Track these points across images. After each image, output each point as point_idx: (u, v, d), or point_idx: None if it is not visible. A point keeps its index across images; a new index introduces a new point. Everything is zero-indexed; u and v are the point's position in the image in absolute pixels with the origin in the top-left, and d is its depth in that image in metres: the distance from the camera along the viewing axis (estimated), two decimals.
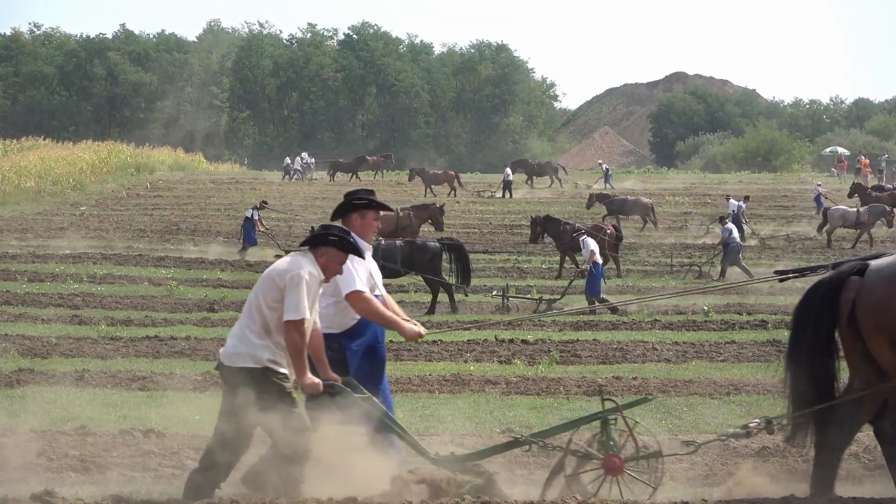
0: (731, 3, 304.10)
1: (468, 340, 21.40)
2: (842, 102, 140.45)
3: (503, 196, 62.19)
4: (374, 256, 26.95)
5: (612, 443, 10.27)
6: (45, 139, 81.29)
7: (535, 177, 70.37)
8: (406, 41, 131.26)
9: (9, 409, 14.58)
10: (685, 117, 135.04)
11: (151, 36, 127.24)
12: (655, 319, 24.73)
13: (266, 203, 43.51)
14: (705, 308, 26.42)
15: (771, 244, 44.66)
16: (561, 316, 24.71)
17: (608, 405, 10.38)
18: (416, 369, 18.34)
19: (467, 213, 55.87)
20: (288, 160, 77.59)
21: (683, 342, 21.45)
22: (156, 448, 12.55)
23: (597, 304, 26.29)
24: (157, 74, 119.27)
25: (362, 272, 10.32)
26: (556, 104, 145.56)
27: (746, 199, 49.81)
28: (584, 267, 27.96)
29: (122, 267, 35.29)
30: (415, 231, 37.04)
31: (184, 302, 27.48)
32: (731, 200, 49.44)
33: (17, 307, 25.57)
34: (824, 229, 44.53)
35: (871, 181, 67.11)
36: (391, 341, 21.15)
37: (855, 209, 45.36)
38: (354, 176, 72.85)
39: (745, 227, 45.76)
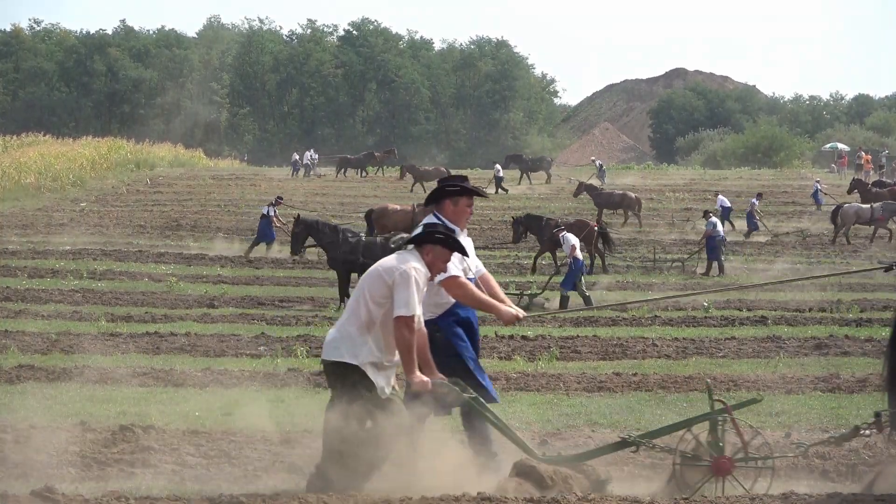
0: None
1: None
2: (842, 98, 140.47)
3: (496, 192, 61.95)
4: (355, 253, 26.56)
5: (720, 445, 10.26)
6: (45, 135, 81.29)
7: (529, 172, 70.26)
8: (406, 37, 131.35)
9: (9, 405, 14.58)
10: (685, 113, 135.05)
11: (151, 32, 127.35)
12: (655, 315, 24.72)
13: (281, 199, 43.43)
14: (705, 304, 26.42)
15: (783, 240, 44.58)
16: (550, 314, 24.67)
17: (717, 406, 10.36)
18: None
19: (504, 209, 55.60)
20: (296, 156, 77.33)
21: (683, 338, 21.44)
22: (156, 444, 12.54)
23: (577, 298, 26.33)
24: (158, 70, 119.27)
25: (455, 257, 10.30)
26: (556, 100, 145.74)
27: (760, 196, 49.63)
28: (564, 262, 27.94)
29: (122, 263, 35.28)
30: None
31: (184, 298, 27.48)
32: (720, 197, 49.44)
33: (17, 303, 25.57)
34: (841, 231, 44.31)
35: (873, 177, 67.04)
36: None
37: (868, 206, 45.28)
38: (363, 172, 72.65)
39: (758, 223, 45.64)
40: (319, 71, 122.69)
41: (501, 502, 9.67)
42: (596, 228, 34.41)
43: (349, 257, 26.31)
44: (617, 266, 35.81)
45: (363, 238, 26.87)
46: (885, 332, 22.14)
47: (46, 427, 13.17)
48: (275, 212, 39.23)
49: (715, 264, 33.90)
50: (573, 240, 27.29)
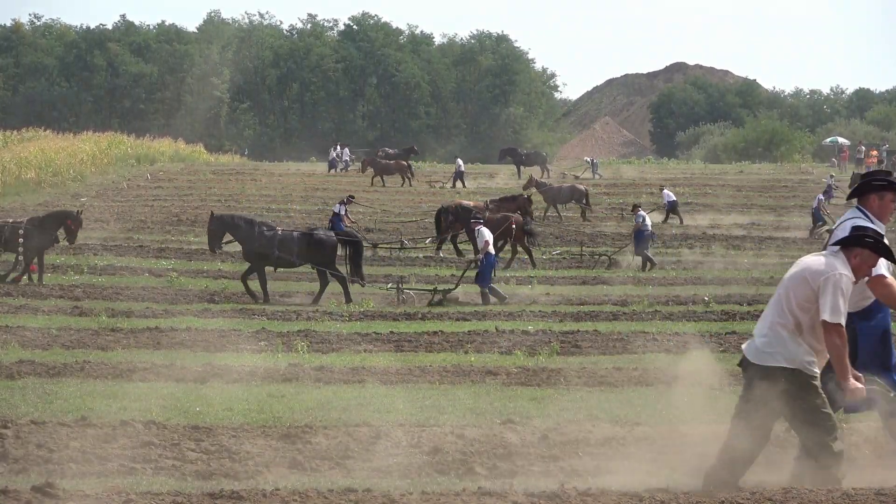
0: None
1: (469, 331, 21.40)
2: (842, 92, 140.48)
3: (453, 186, 61.87)
4: (270, 247, 26.56)
5: None
6: (45, 130, 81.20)
7: (523, 167, 70.06)
8: (406, 32, 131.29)
9: (9, 401, 14.59)
10: (686, 108, 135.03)
11: (152, 27, 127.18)
12: (656, 310, 24.73)
13: (352, 197, 43.43)
14: (706, 298, 26.42)
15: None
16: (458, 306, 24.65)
17: None
18: (417, 360, 18.35)
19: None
20: (334, 152, 76.61)
21: (684, 332, 21.45)
22: (156, 439, 12.55)
23: (490, 294, 26.27)
24: (158, 65, 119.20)
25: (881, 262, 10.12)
26: (557, 95, 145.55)
27: (827, 192, 48.44)
28: (477, 257, 27.83)
29: (122, 258, 35.29)
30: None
31: (184, 293, 27.48)
32: (665, 191, 49.14)
33: (17, 298, 25.58)
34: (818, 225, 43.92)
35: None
36: (391, 332, 21.19)
37: None
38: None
39: (826, 217, 43.90)
40: (320, 66, 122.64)
41: (502, 497, 9.68)
42: (514, 225, 34.09)
43: (265, 251, 26.50)
44: (539, 260, 35.62)
45: (279, 232, 27.01)
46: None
47: (47, 422, 13.18)
48: (345, 210, 39.19)
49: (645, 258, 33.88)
50: (487, 235, 27.12)
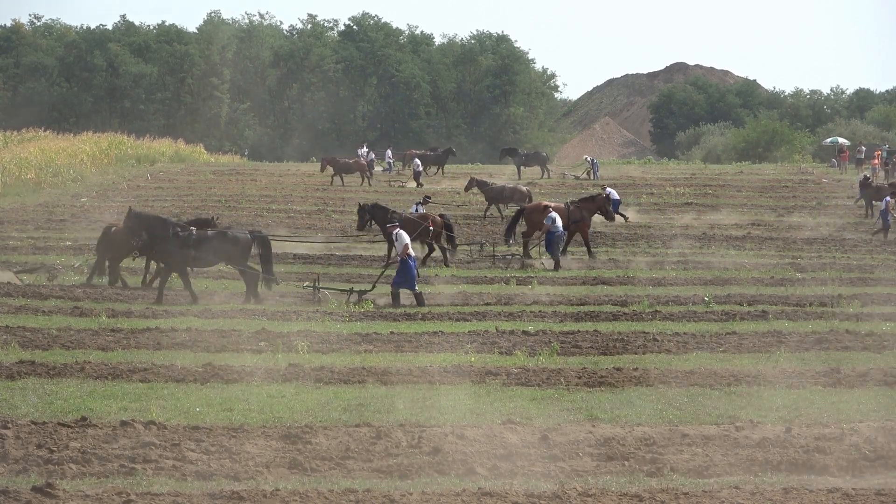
0: None
1: (469, 332, 21.40)
2: (842, 93, 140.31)
3: (417, 186, 62.04)
4: (186, 247, 26.52)
5: None
6: (45, 130, 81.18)
7: (523, 167, 69.97)
8: (406, 32, 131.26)
9: (10, 401, 14.59)
10: (686, 108, 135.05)
11: (152, 27, 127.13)
12: (656, 310, 24.72)
13: (429, 198, 43.30)
14: (706, 299, 26.42)
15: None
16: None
17: None
18: (417, 360, 18.35)
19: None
20: (389, 154, 76.15)
21: (684, 333, 21.45)
22: (157, 440, 12.56)
23: (416, 295, 26.32)
24: (158, 66, 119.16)
25: None
26: (557, 95, 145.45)
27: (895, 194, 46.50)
28: (395, 259, 27.77)
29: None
30: (587, 224, 37.12)
31: (184, 293, 27.47)
32: (608, 189, 49.19)
33: (17, 299, 25.58)
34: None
35: (881, 175, 66.54)
36: (392, 332, 21.19)
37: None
38: (440, 169, 71.43)
39: (891, 221, 42.90)
40: (320, 66, 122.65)
41: (502, 497, 9.69)
42: (431, 226, 34.02)
43: (181, 251, 26.59)
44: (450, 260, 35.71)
45: (194, 232, 27.09)
46: (886, 327, 22.18)
47: (47, 423, 13.19)
48: (422, 211, 39.11)
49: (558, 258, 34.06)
50: (406, 238, 27.07)
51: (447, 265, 34.23)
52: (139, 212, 28.13)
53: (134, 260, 30.26)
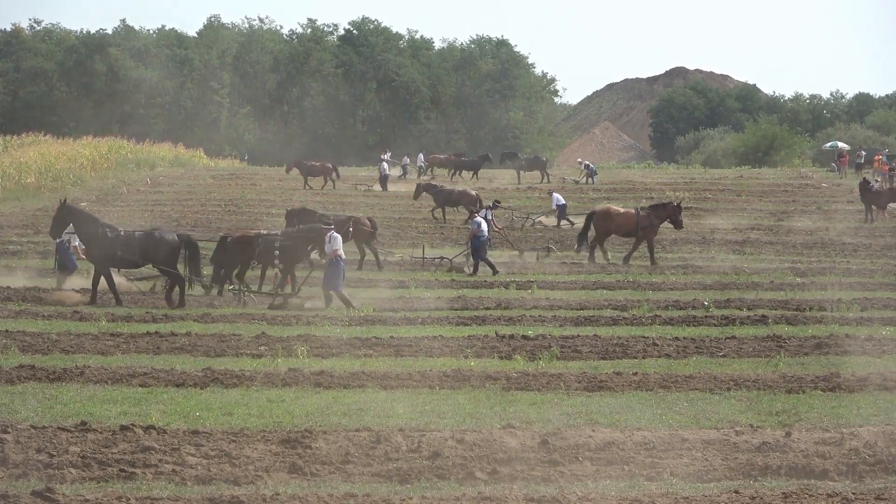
0: None
1: (469, 336, 21.40)
2: (842, 97, 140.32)
3: (383, 189, 62.68)
4: (113, 247, 26.56)
5: None
6: (45, 135, 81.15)
7: (523, 171, 69.96)
8: (406, 36, 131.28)
9: (9, 406, 14.59)
10: (685, 112, 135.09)
11: (152, 31, 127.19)
12: (656, 315, 24.72)
13: (499, 203, 43.36)
14: (706, 303, 26.42)
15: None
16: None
17: None
18: (417, 365, 18.35)
19: (395, 207, 54.95)
20: (421, 158, 76.10)
21: (684, 337, 21.44)
22: (156, 444, 12.56)
23: (334, 299, 26.32)
24: (158, 70, 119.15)
25: None
26: (557, 99, 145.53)
27: None
28: (324, 260, 27.86)
29: None
30: (654, 231, 37.14)
31: (202, 299, 27.49)
32: (555, 195, 49.31)
33: (17, 304, 25.59)
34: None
35: (874, 178, 66.57)
36: (391, 337, 21.19)
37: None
38: (475, 175, 71.38)
39: None
40: (320, 70, 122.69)
41: (502, 502, 9.70)
42: (351, 228, 34.11)
43: (108, 252, 26.59)
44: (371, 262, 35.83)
45: (122, 233, 27.10)
46: (885, 332, 22.18)
47: (47, 427, 13.19)
48: (492, 216, 39.19)
49: (486, 262, 33.98)
50: (339, 241, 27.10)
51: (380, 268, 34.23)
52: (71, 206, 27.91)
53: (252, 269, 29.97)
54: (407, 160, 75.37)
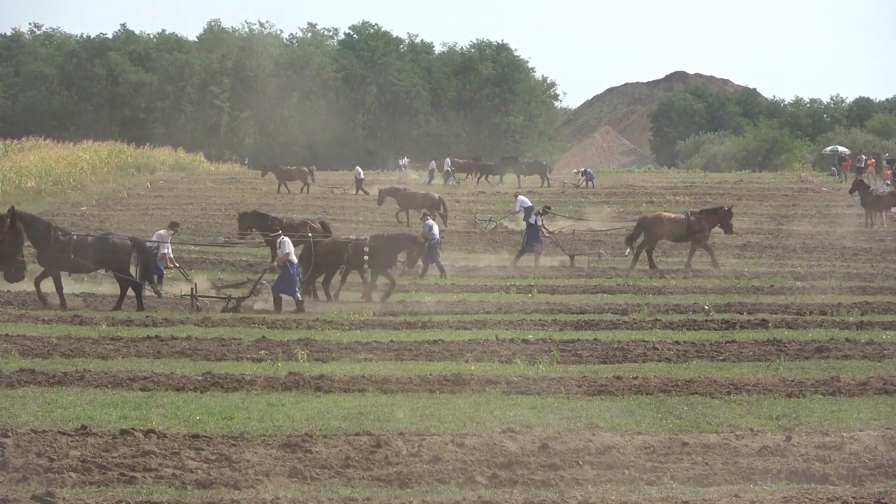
0: (731, 2, 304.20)
1: (469, 340, 21.39)
2: (842, 101, 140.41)
3: (356, 193, 63.02)
4: (66, 251, 26.62)
5: None
6: (45, 139, 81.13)
7: (523, 175, 70.00)
8: (406, 41, 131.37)
9: (9, 410, 14.59)
10: (686, 116, 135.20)
11: (152, 36, 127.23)
12: (656, 319, 24.72)
13: (549, 208, 43.31)
14: (706, 307, 26.42)
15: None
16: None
17: None
18: (417, 368, 18.34)
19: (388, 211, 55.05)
20: (433, 163, 76.36)
21: (684, 341, 21.44)
22: (157, 448, 12.56)
23: (284, 303, 26.47)
24: (158, 74, 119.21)
25: None
26: (557, 104, 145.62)
27: None
28: (274, 264, 27.96)
29: None
30: (706, 235, 37.14)
31: (185, 301, 27.49)
32: (521, 197, 49.33)
33: (18, 307, 25.59)
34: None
35: (875, 181, 66.58)
36: (391, 341, 21.19)
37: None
38: (501, 177, 71.37)
39: None
40: (320, 75, 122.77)
41: None
42: (316, 227, 34.27)
43: (60, 255, 26.62)
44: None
45: (75, 237, 27.13)
46: (886, 336, 22.18)
47: (47, 431, 13.19)
48: (542, 221, 39.18)
49: (434, 265, 34.22)
50: (288, 247, 27.15)
51: (421, 276, 34.34)
52: (23, 212, 27.88)
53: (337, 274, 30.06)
54: (433, 165, 75.44)
